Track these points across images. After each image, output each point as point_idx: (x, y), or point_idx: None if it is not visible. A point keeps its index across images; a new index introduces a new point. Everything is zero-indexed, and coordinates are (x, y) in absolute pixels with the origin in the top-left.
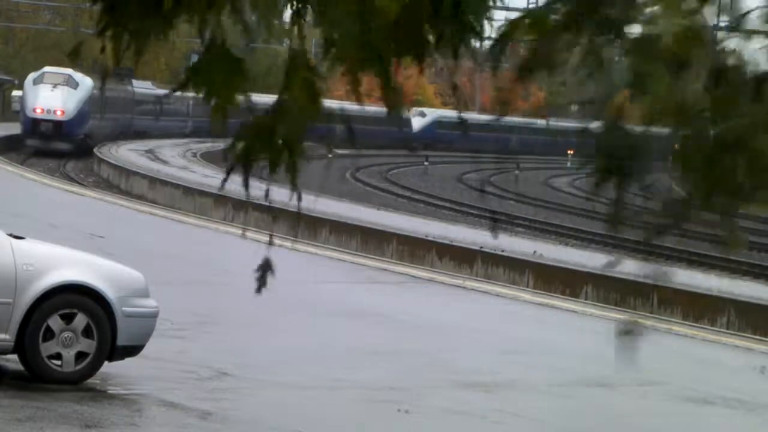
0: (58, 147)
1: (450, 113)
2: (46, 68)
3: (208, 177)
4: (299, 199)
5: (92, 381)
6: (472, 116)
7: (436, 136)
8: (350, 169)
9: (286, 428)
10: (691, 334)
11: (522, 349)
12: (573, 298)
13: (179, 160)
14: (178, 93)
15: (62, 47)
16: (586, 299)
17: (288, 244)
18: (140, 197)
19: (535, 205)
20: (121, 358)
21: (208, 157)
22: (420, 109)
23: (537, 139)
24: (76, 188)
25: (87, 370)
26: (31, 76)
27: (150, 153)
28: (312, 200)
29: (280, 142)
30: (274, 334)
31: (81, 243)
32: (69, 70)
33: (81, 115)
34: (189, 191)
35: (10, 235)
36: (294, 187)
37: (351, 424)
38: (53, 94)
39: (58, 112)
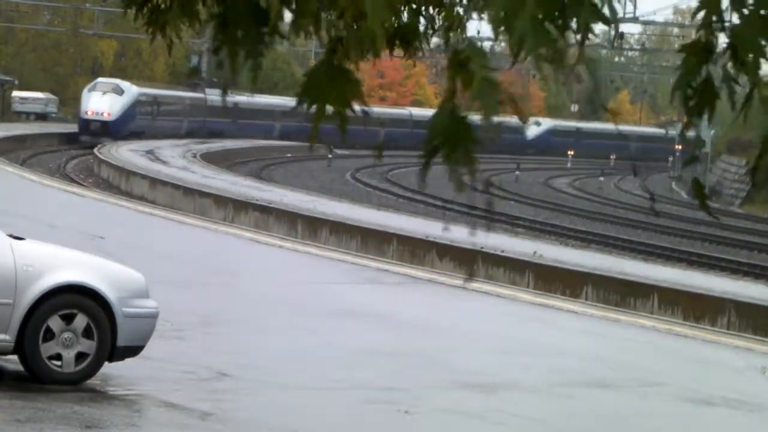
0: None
1: (564, 122)
2: (99, 79)
3: (208, 177)
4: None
5: (92, 382)
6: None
7: (550, 144)
8: (350, 170)
9: (286, 428)
10: (691, 335)
11: (522, 350)
12: (573, 299)
13: (179, 161)
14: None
15: (62, 47)
16: (586, 300)
17: (288, 244)
18: (140, 198)
19: (535, 205)
20: (122, 358)
21: (208, 158)
22: (536, 118)
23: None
24: (76, 189)
25: (87, 370)
26: (87, 85)
27: (150, 154)
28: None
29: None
30: (274, 334)
31: (81, 243)
32: (117, 80)
33: (125, 117)
34: (189, 192)
35: (10, 235)
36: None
37: (351, 424)
38: (102, 99)
39: (105, 114)
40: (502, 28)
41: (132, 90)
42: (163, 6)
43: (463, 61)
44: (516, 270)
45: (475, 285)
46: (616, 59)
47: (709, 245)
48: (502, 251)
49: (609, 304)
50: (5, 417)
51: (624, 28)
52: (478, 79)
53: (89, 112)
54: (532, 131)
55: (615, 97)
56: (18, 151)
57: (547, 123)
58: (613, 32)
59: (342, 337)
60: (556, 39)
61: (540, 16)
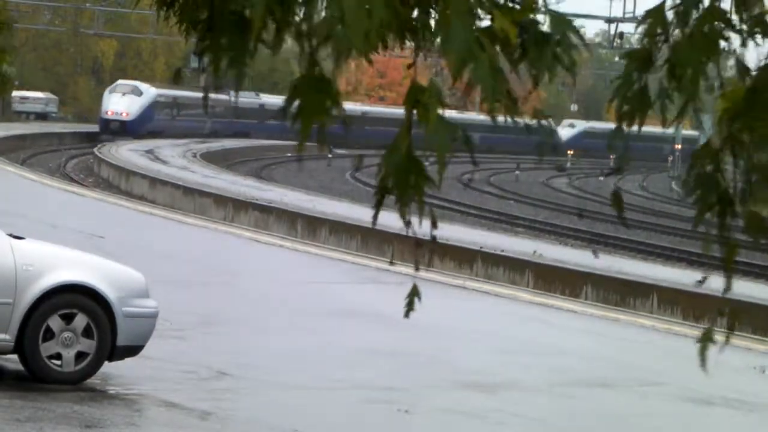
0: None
1: (598, 124)
2: (119, 81)
3: (208, 177)
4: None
5: (92, 381)
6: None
7: (584, 146)
8: (350, 170)
9: (286, 428)
10: (691, 334)
11: (522, 349)
12: (573, 298)
13: (179, 161)
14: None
15: (62, 47)
16: (585, 299)
17: (288, 244)
18: (140, 197)
19: (535, 205)
20: (121, 358)
21: (208, 158)
22: (569, 120)
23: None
24: (76, 188)
25: (87, 370)
26: (109, 87)
27: (150, 153)
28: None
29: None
30: (274, 334)
31: (81, 243)
32: (136, 82)
33: (143, 116)
34: (189, 191)
35: (10, 235)
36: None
37: (350, 424)
38: (121, 100)
39: (124, 114)
40: (461, 73)
41: (150, 91)
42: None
43: (420, 96)
44: (516, 269)
45: (475, 285)
46: (616, 59)
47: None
48: (502, 251)
49: (609, 303)
50: (5, 416)
51: (623, 27)
52: (433, 117)
53: (109, 112)
54: (565, 133)
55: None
56: (18, 150)
57: (580, 125)
58: (612, 31)
59: (342, 336)
60: (510, 90)
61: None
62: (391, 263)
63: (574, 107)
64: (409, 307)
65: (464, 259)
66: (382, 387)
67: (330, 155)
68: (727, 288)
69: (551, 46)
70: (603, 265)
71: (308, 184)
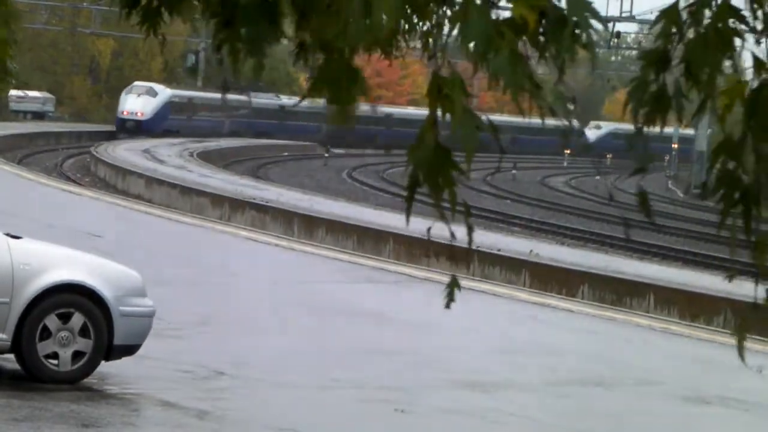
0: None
1: (623, 125)
2: (136, 82)
3: (205, 176)
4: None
5: (89, 380)
6: None
7: (613, 147)
8: (347, 169)
9: (283, 427)
10: (687, 334)
11: (519, 349)
12: (569, 298)
13: (176, 160)
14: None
15: (59, 46)
16: (582, 299)
17: (285, 243)
18: (137, 197)
19: (531, 204)
20: (118, 357)
21: (205, 157)
22: (596, 122)
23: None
24: (73, 188)
25: (84, 369)
26: (126, 88)
27: (147, 152)
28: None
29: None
30: (271, 333)
31: (78, 242)
32: (151, 83)
33: (157, 116)
34: (186, 191)
35: (8, 234)
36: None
37: (348, 423)
38: (137, 101)
39: (139, 114)
40: (481, 63)
41: (165, 92)
42: (155, 3)
43: (443, 88)
44: (512, 269)
45: (471, 284)
46: (612, 58)
47: (705, 244)
48: (499, 250)
49: (605, 303)
50: (2, 416)
51: (620, 27)
52: (458, 109)
53: (125, 112)
54: (592, 134)
55: (611, 96)
56: (15, 149)
57: (607, 126)
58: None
59: (338, 336)
60: (532, 75)
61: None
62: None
63: (571, 107)
64: (450, 297)
65: (461, 258)
66: (378, 386)
67: (327, 155)
68: (759, 284)
69: (569, 28)
70: (600, 264)
71: (305, 183)
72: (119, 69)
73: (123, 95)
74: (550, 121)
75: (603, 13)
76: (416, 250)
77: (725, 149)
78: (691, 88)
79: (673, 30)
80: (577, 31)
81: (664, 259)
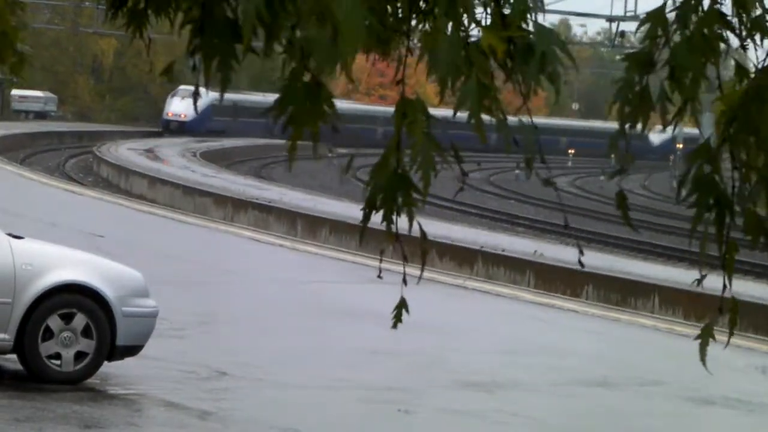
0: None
1: (688, 129)
2: (181, 86)
3: (208, 176)
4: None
5: (92, 381)
6: None
7: (673, 151)
8: (350, 169)
9: (286, 428)
10: (692, 334)
11: (522, 349)
12: (574, 298)
13: (179, 160)
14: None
15: (61, 46)
16: (586, 299)
17: (288, 243)
18: (140, 197)
19: (535, 204)
20: (121, 357)
21: (208, 157)
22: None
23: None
24: (75, 188)
25: (86, 370)
26: (171, 91)
27: (149, 152)
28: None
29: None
30: (274, 333)
31: (80, 242)
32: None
33: (201, 118)
34: (189, 191)
35: (10, 234)
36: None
37: (350, 424)
38: (181, 103)
39: (183, 115)
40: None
41: (210, 95)
42: (141, 5)
43: (407, 112)
44: (516, 269)
45: (475, 284)
46: (618, 57)
47: (710, 245)
48: (503, 250)
49: (610, 303)
50: (4, 416)
51: (624, 26)
52: (419, 134)
53: (169, 114)
54: (656, 138)
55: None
56: (17, 149)
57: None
58: (613, 30)
59: (342, 336)
60: (498, 105)
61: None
62: (379, 277)
63: (575, 106)
64: (397, 318)
65: (465, 258)
66: (381, 387)
67: (330, 154)
68: (727, 288)
69: (536, 58)
70: (604, 264)
71: (308, 184)
72: (122, 68)
73: (169, 98)
74: (556, 121)
75: (607, 13)
76: (419, 250)
77: (702, 153)
78: (674, 91)
79: (659, 32)
80: (544, 62)
81: (669, 259)
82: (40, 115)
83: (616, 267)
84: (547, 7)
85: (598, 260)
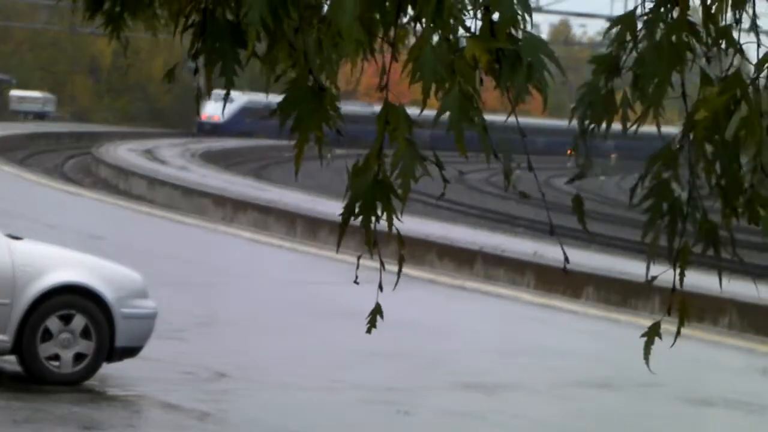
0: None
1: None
2: (214, 90)
3: (207, 177)
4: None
5: (91, 382)
6: None
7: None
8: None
9: (285, 429)
10: (692, 335)
11: (522, 350)
12: (574, 299)
13: (178, 160)
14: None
15: (59, 46)
16: (586, 300)
17: (287, 244)
18: (139, 198)
19: (535, 205)
20: (120, 359)
21: (207, 158)
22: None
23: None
24: (74, 189)
25: (85, 371)
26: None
27: (148, 153)
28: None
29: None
30: (273, 334)
31: (79, 244)
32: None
33: (233, 120)
34: (188, 192)
35: (8, 235)
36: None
37: (350, 425)
38: (214, 106)
39: (215, 118)
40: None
41: (241, 98)
42: (118, 9)
43: (390, 116)
44: (516, 270)
45: (475, 285)
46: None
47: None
48: (503, 251)
49: (610, 304)
50: (3, 417)
51: None
52: (401, 141)
53: (204, 116)
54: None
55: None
56: (16, 150)
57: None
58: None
59: (341, 337)
60: (480, 116)
61: (467, 93)
62: (356, 282)
63: (572, 106)
64: (372, 324)
65: (464, 259)
66: (381, 388)
67: (329, 155)
68: (677, 288)
69: (523, 68)
70: (604, 265)
71: (307, 184)
72: (120, 69)
73: (202, 102)
74: (555, 122)
75: (607, 13)
76: (419, 251)
77: (662, 157)
78: (638, 98)
79: (628, 37)
80: (531, 71)
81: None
82: (39, 116)
83: (616, 268)
84: (547, 7)
85: (598, 261)
